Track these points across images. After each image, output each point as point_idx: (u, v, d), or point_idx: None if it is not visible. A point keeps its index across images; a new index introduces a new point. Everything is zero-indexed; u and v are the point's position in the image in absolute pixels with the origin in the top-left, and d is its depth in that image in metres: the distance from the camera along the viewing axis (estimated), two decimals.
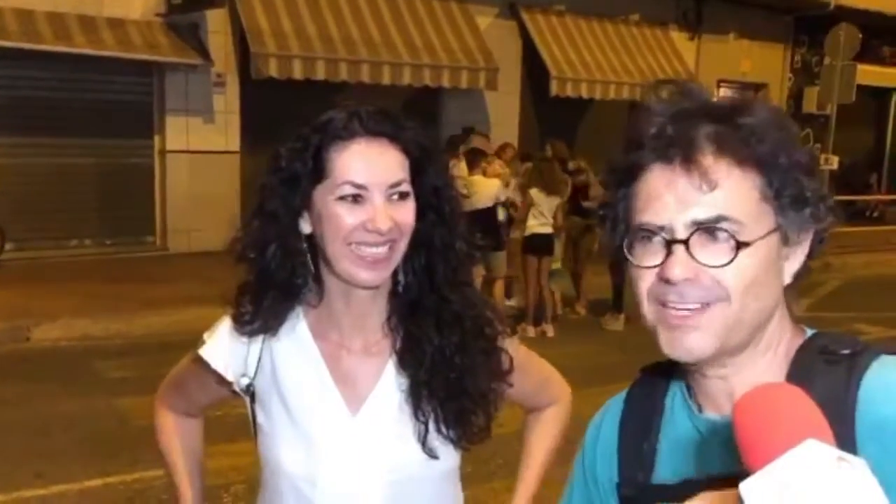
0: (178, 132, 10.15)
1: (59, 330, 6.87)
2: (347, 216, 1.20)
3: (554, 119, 12.33)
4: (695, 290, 0.90)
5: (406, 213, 1.23)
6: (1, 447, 4.55)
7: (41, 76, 9.35)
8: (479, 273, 7.88)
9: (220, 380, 1.37)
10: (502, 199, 8.07)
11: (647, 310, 0.95)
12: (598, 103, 12.89)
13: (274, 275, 1.27)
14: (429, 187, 1.27)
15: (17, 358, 6.27)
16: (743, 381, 0.94)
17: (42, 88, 9.43)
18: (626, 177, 0.96)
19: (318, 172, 1.22)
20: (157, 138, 10.23)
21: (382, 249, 1.21)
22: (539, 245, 7.86)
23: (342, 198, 1.20)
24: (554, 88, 11.92)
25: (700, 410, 1.00)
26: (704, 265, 0.89)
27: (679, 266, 0.89)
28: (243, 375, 1.34)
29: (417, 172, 1.26)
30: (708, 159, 0.89)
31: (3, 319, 6.85)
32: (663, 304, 0.92)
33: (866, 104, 15.63)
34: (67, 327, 6.91)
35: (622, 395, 1.13)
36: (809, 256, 0.97)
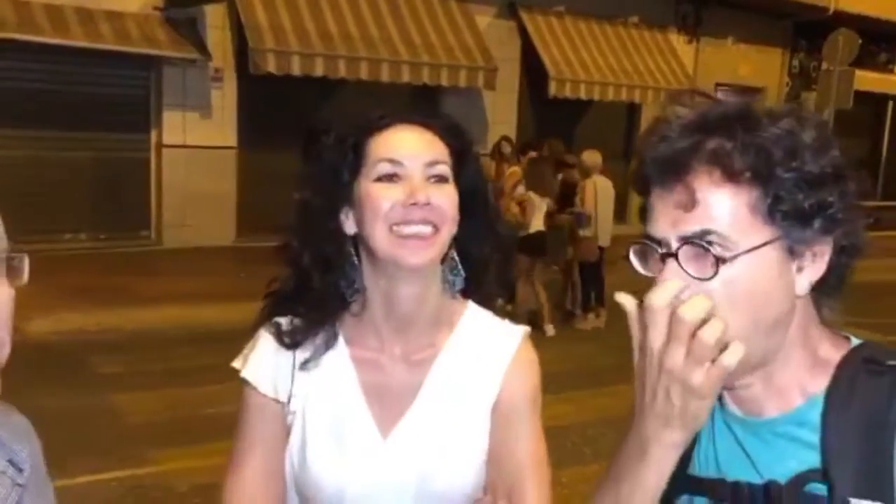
0: (175, 127, 10.12)
1: (52, 324, 6.82)
2: (385, 195, 1.19)
3: (552, 119, 12.32)
4: None
5: (446, 197, 1.21)
6: None
7: (38, 68, 9.31)
8: None
9: (276, 405, 1.27)
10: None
11: None
12: (597, 104, 12.90)
13: (313, 271, 1.24)
14: (470, 173, 1.27)
15: (9, 352, 6.23)
16: (768, 387, 0.98)
17: (39, 81, 9.39)
18: (643, 186, 1.00)
19: (358, 163, 1.22)
20: (153, 133, 10.19)
21: (425, 229, 1.18)
22: (537, 245, 7.94)
23: (379, 178, 1.20)
24: (552, 89, 11.92)
25: (727, 406, 1.02)
26: (693, 277, 0.91)
27: (670, 279, 0.92)
28: (292, 396, 1.26)
29: (459, 160, 1.25)
30: (697, 176, 0.92)
31: None
32: None
33: (863, 110, 15.64)
34: (60, 321, 6.88)
35: None
36: (838, 269, 0.97)
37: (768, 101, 14.94)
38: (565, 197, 8.96)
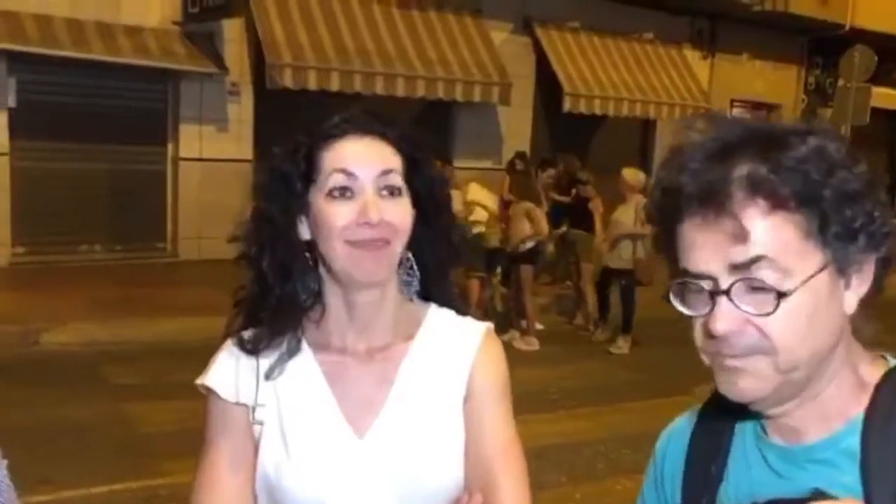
0: (192, 140, 10.21)
1: (67, 334, 6.88)
2: (339, 213, 1.20)
3: (566, 135, 12.33)
4: (742, 338, 0.89)
5: (398, 211, 1.22)
6: (8, 451, 4.54)
7: (59, 81, 9.41)
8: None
9: (239, 409, 1.26)
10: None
11: (705, 358, 0.95)
12: (611, 120, 12.90)
13: (272, 280, 1.25)
14: (425, 181, 1.27)
15: (26, 362, 6.29)
16: (809, 413, 0.94)
17: (59, 94, 9.49)
18: (666, 218, 0.95)
19: (311, 172, 1.23)
20: (170, 145, 10.28)
21: (377, 243, 1.20)
22: (537, 255, 8.05)
23: (332, 193, 1.21)
24: (567, 104, 11.94)
25: (767, 435, 1.00)
26: (748, 314, 0.88)
27: (722, 320, 0.88)
28: (257, 404, 1.26)
29: (413, 169, 1.26)
30: (742, 206, 0.87)
31: (13, 323, 6.88)
32: (714, 354, 0.93)
33: (880, 126, 15.57)
34: (76, 332, 6.93)
35: (691, 416, 1.12)
36: (877, 280, 0.94)
37: (784, 118, 14.82)
38: (578, 213, 8.95)
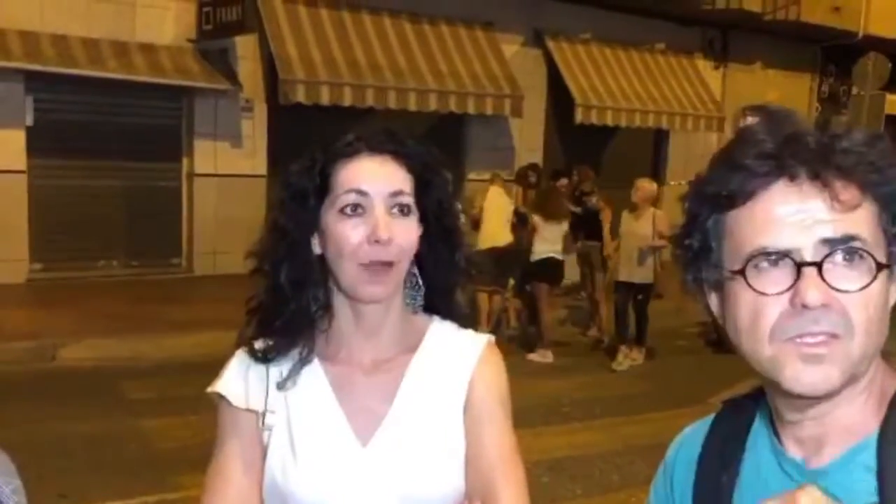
0: (207, 156, 10.29)
1: (84, 350, 6.93)
2: (351, 231, 1.23)
3: (579, 146, 12.34)
4: (828, 315, 0.85)
5: (407, 231, 1.26)
6: (24, 466, 4.54)
7: (75, 100, 9.53)
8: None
9: (248, 415, 1.30)
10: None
11: (768, 348, 0.89)
12: (624, 131, 12.90)
13: (286, 293, 1.28)
14: (433, 202, 1.30)
15: (43, 377, 6.34)
16: (836, 421, 0.92)
17: (75, 112, 9.60)
18: (726, 202, 0.91)
19: (324, 188, 1.27)
20: (185, 161, 10.36)
21: (385, 266, 1.24)
22: (550, 270, 7.93)
23: (343, 210, 1.24)
24: (579, 116, 11.94)
25: (782, 447, 0.97)
26: (838, 290, 0.85)
27: (814, 289, 0.84)
28: (266, 411, 1.29)
29: (422, 189, 1.29)
30: (835, 180, 0.86)
31: (30, 338, 6.94)
32: (791, 340, 0.87)
33: (894, 134, 15.48)
34: (93, 348, 6.98)
35: (703, 425, 1.10)
36: None
37: None
38: (590, 224, 8.94)
